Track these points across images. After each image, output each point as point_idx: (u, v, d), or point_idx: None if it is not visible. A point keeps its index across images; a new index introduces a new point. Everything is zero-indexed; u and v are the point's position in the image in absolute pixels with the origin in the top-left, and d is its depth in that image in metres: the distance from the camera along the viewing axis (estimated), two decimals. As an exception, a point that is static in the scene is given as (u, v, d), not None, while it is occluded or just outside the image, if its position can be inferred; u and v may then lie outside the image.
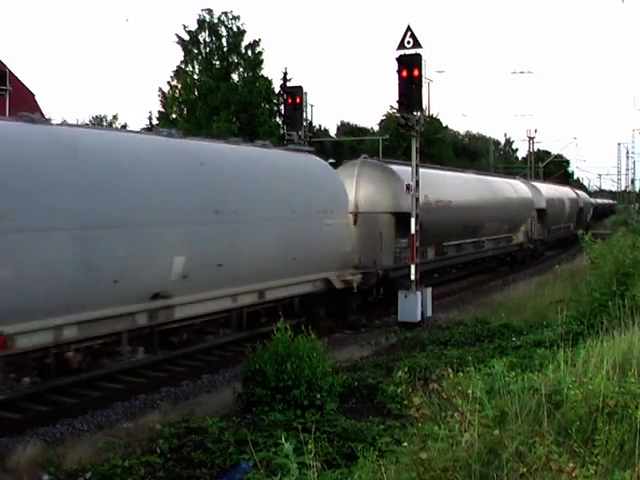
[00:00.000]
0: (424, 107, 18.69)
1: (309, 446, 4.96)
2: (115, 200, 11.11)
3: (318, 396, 9.94)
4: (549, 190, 40.93)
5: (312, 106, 37.06)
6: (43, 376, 10.85)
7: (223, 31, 52.14)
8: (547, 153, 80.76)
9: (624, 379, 5.89)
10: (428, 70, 18.35)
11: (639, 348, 7.12)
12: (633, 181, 74.54)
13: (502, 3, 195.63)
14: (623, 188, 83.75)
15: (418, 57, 17.78)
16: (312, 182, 16.78)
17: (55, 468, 8.33)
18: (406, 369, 7.37)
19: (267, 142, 17.89)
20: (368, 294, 18.63)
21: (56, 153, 10.52)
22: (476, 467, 4.68)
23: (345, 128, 79.62)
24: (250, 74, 51.72)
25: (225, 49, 52.18)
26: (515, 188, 33.40)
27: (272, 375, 10.03)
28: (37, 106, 44.20)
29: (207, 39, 52.06)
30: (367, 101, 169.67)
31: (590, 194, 74.93)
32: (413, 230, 18.32)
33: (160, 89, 52.45)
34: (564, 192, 46.54)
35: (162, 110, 52.73)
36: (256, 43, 52.28)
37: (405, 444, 5.71)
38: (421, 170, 19.02)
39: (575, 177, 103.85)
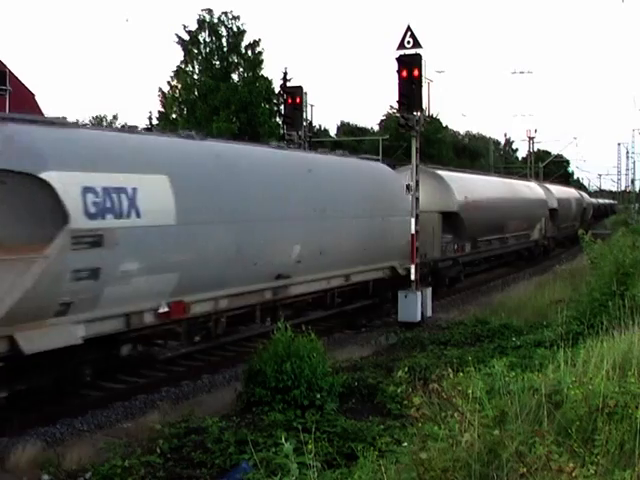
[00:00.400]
0: (424, 107, 18.66)
1: (309, 446, 4.97)
2: (256, 201, 14.13)
3: (318, 396, 9.94)
4: (559, 192, 44.14)
5: (312, 106, 37.09)
6: (206, 338, 13.69)
7: (223, 31, 52.12)
8: (547, 153, 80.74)
9: (624, 379, 5.89)
10: (428, 70, 18.36)
11: (639, 348, 7.13)
12: (633, 181, 74.53)
13: (502, 3, 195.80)
14: (623, 188, 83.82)
15: (418, 57, 17.77)
16: (382, 185, 19.60)
17: (55, 468, 8.32)
18: (406, 369, 7.36)
19: (345, 152, 20.93)
20: (421, 281, 21.20)
21: (220, 168, 13.76)
22: (476, 467, 4.68)
23: (345, 128, 79.65)
24: (250, 74, 51.70)
25: (225, 49, 52.16)
26: (532, 190, 37.02)
27: (272, 375, 10.03)
28: (37, 106, 44.20)
29: (207, 39, 52.04)
30: (367, 101, 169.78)
31: (590, 194, 74.99)
32: (413, 230, 18.30)
33: (160, 89, 52.43)
34: (571, 193, 50.32)
35: (162, 110, 52.73)
36: (256, 43, 52.26)
37: (405, 444, 5.71)
38: (459, 174, 24.02)
39: (575, 177, 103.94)
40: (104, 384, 12.44)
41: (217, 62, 51.91)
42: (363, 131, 75.32)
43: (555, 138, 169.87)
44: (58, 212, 10.19)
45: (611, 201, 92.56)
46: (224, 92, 49.09)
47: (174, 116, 51.70)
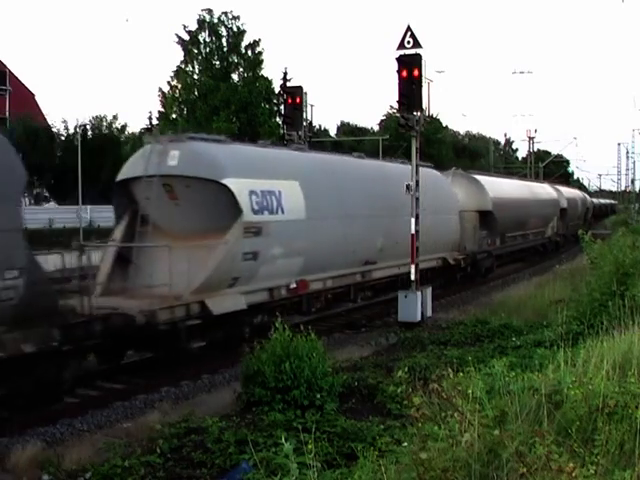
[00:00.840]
0: (424, 107, 18.63)
1: (309, 446, 4.96)
2: (355, 202, 17.85)
3: (318, 396, 9.94)
4: (568, 193, 48.26)
5: (312, 106, 37.16)
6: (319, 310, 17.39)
7: (223, 31, 52.13)
8: (547, 153, 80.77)
9: (624, 379, 5.89)
10: (428, 70, 18.32)
11: (639, 348, 7.12)
12: (633, 181, 74.51)
13: (502, 3, 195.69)
14: (623, 188, 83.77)
15: (418, 57, 17.74)
16: (437, 188, 23.12)
17: (55, 468, 8.31)
18: (406, 369, 7.35)
19: (405, 160, 23.53)
20: (464, 270, 25.62)
21: (332, 175, 17.53)
22: (476, 467, 4.68)
23: (345, 128, 79.70)
24: (250, 74, 51.72)
25: (225, 49, 52.17)
26: (546, 191, 41.13)
27: (271, 376, 10.03)
28: (37, 106, 44.20)
29: (207, 39, 52.06)
30: (367, 101, 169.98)
31: (590, 194, 75.00)
32: (413, 230, 18.28)
33: (160, 89, 52.44)
34: (577, 194, 54.60)
35: (162, 110, 52.72)
36: (256, 43, 52.28)
37: (405, 444, 5.70)
38: (490, 178, 29.84)
39: (575, 177, 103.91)
40: (104, 384, 12.44)
41: (217, 62, 51.92)
42: (363, 131, 75.35)
43: (555, 138, 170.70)
44: (233, 209, 13.70)
45: (611, 201, 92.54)
46: (224, 92, 49.09)
47: (174, 116, 51.71)
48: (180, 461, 8.20)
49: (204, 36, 52.05)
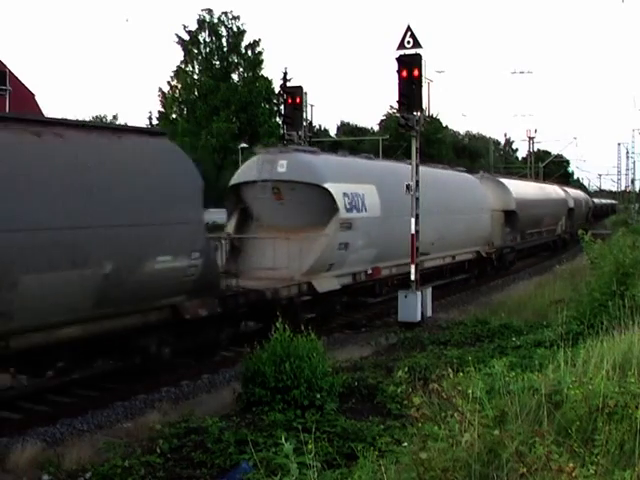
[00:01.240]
0: (424, 107, 18.67)
1: (309, 446, 4.96)
2: (423, 201, 19.26)
3: (318, 396, 9.93)
4: (574, 193, 51.69)
5: (312, 106, 37.22)
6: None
7: (223, 31, 52.17)
8: (547, 153, 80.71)
9: (624, 379, 5.88)
10: (428, 70, 18.39)
11: (639, 348, 7.12)
12: (633, 181, 74.50)
13: (502, 3, 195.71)
14: (623, 188, 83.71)
15: (418, 57, 17.74)
16: (473, 190, 27.51)
17: (55, 468, 8.31)
18: (406, 369, 7.35)
19: (446, 165, 28.25)
20: (492, 263, 28.73)
21: (394, 178, 19.66)
22: (476, 467, 4.68)
23: (345, 128, 79.69)
24: (250, 74, 51.74)
25: (225, 49, 52.21)
26: (556, 192, 44.69)
27: (271, 376, 10.02)
28: (37, 106, 44.17)
29: (207, 39, 52.09)
30: (367, 101, 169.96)
31: (590, 194, 75.02)
32: (413, 230, 18.28)
33: (160, 89, 52.50)
34: (581, 195, 57.86)
35: (162, 110, 52.74)
36: (256, 43, 52.32)
37: (405, 444, 5.70)
38: (512, 181, 34.41)
39: (575, 177, 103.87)
40: (104, 384, 12.44)
41: (217, 62, 51.94)
42: (363, 131, 75.35)
43: (555, 138, 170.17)
44: (332, 207, 17.11)
45: (611, 201, 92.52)
46: (224, 92, 49.12)
47: (174, 116, 51.73)
48: (180, 461, 8.20)
49: (204, 36, 52.09)
